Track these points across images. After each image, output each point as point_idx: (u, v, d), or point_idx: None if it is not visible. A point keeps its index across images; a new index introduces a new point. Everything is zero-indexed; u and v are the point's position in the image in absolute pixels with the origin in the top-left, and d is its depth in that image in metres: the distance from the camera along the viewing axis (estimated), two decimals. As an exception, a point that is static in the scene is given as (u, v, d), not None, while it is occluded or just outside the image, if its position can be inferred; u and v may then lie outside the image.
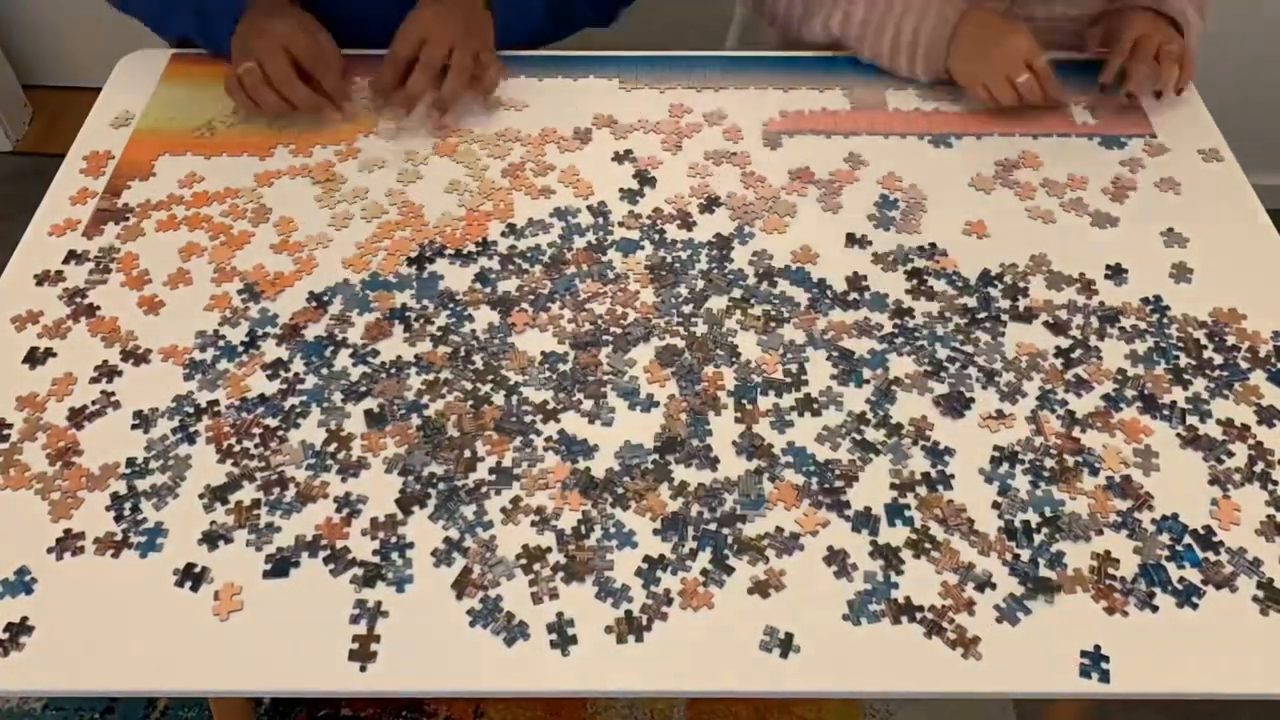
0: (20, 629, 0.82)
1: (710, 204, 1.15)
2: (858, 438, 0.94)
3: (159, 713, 1.59)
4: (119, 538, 0.87)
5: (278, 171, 1.18)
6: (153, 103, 1.26)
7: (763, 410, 0.96)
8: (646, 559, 0.86)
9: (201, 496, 0.90)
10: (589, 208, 1.15)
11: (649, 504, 0.89)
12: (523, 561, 0.86)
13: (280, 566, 0.86)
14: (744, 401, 0.97)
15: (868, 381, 0.98)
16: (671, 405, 0.96)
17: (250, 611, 0.84)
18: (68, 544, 0.87)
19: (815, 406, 0.96)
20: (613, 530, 0.88)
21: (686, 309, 1.05)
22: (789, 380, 0.98)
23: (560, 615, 0.83)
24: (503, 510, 0.89)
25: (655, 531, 0.88)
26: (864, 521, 0.89)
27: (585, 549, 0.87)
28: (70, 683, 0.81)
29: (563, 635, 0.82)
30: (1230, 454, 0.93)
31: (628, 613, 0.83)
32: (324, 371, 0.99)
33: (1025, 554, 0.87)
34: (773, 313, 1.04)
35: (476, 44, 1.23)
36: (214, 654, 0.81)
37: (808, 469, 0.92)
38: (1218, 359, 1.01)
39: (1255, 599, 0.85)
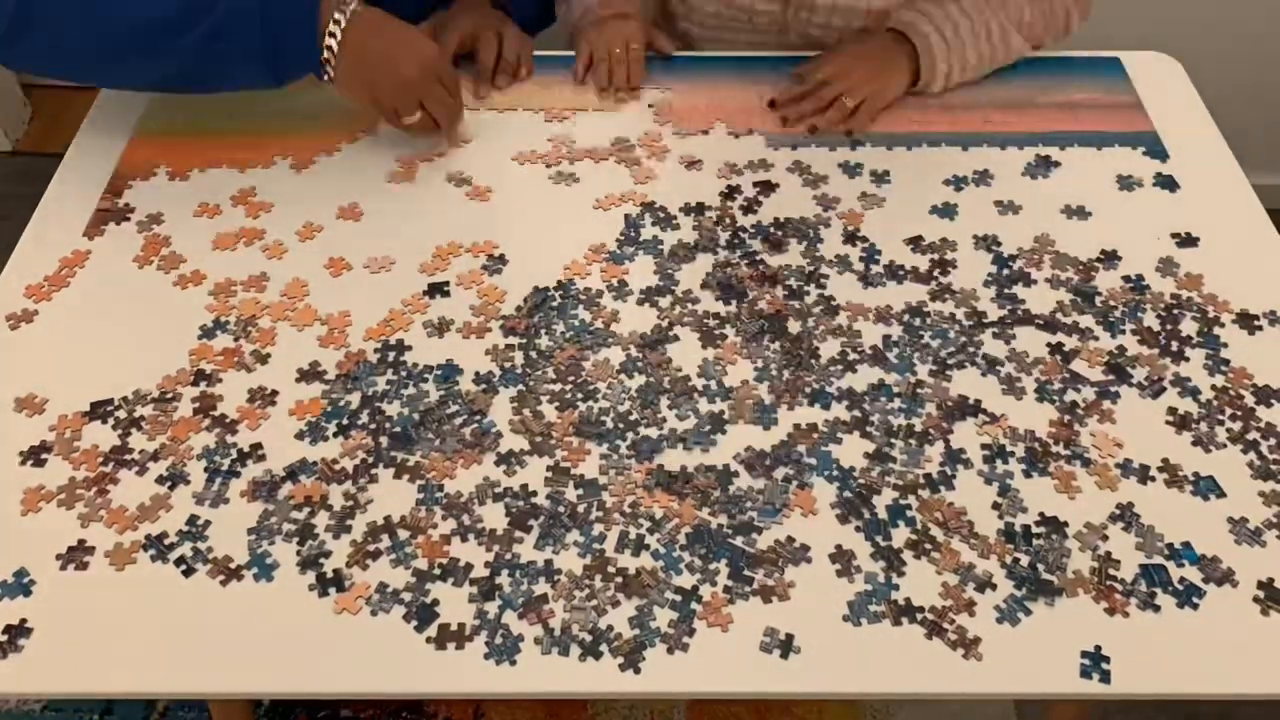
0: (19, 631, 0.82)
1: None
2: (886, 450, 0.94)
3: (158, 714, 1.59)
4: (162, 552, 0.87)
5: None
6: (153, 103, 1.25)
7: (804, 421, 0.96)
8: (680, 590, 0.84)
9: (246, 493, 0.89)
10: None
11: (680, 510, 0.89)
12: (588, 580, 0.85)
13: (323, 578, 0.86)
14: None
15: (898, 394, 0.97)
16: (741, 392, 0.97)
17: (252, 612, 0.84)
18: (76, 554, 0.86)
19: (846, 418, 0.96)
20: (662, 551, 0.87)
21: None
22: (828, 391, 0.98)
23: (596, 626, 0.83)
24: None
25: (683, 547, 0.87)
26: (876, 528, 0.89)
27: (644, 571, 0.86)
28: (68, 684, 0.81)
29: (583, 643, 0.82)
30: (1228, 451, 0.93)
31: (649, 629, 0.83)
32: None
33: (1025, 555, 0.87)
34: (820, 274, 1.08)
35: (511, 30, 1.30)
36: (212, 655, 0.81)
37: (830, 474, 0.92)
38: (1218, 358, 1.01)
39: (1256, 599, 0.85)
